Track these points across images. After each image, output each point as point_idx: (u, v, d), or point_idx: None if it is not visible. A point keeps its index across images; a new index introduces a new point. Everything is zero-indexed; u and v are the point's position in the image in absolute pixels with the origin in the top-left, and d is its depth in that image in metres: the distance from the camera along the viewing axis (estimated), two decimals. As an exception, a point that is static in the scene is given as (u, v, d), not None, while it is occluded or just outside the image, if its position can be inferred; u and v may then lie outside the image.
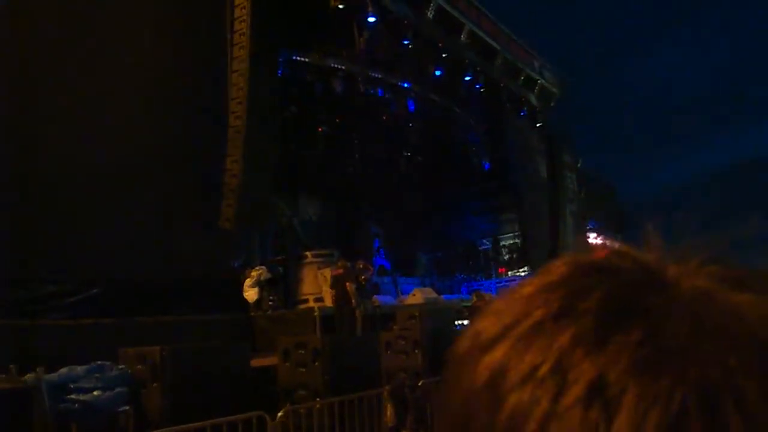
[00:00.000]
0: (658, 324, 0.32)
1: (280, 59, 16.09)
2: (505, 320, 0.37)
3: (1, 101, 9.81)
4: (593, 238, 31.54)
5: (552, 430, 0.31)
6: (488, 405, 0.34)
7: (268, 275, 13.55)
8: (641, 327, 0.32)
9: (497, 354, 0.35)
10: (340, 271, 12.02)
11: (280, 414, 6.09)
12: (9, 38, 10.07)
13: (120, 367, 6.32)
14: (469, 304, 14.21)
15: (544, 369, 0.33)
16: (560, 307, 0.35)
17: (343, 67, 18.95)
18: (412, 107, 21.74)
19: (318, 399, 7.15)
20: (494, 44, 22.07)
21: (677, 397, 0.29)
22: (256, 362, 8.07)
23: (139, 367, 6.34)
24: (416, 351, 8.99)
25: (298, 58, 18.09)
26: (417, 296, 16.60)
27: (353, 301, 11.64)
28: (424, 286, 20.24)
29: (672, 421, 0.29)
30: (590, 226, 29.54)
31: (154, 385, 6.21)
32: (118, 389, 6.02)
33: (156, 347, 6.31)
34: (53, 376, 5.79)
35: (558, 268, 0.39)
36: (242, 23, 12.69)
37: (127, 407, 6.08)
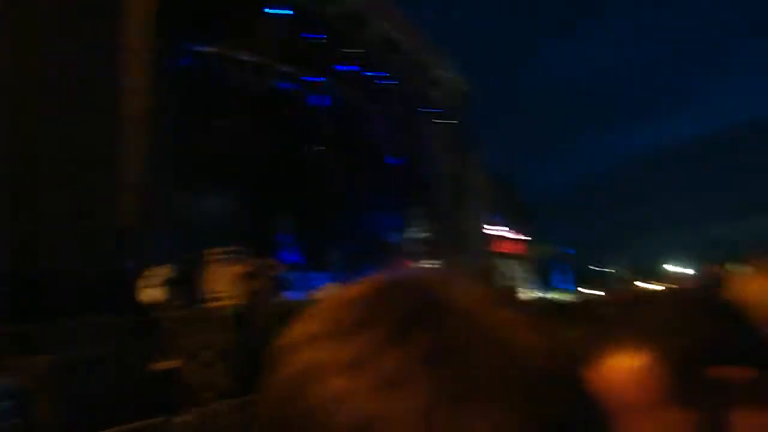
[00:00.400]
0: (440, 331, 0.41)
1: (185, 50, 15.53)
2: (321, 322, 0.44)
3: None
4: (500, 231, 32.66)
5: (346, 406, 0.38)
6: (302, 390, 0.41)
7: (172, 274, 13.06)
8: (429, 333, 0.41)
9: (313, 349, 0.42)
10: (248, 267, 11.81)
11: (183, 418, 5.88)
12: None
13: (5, 378, 5.87)
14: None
15: (348, 361, 0.40)
16: (366, 315, 0.43)
17: (252, 60, 18.55)
18: (322, 101, 21.63)
19: (224, 400, 6.96)
20: (402, 40, 22.33)
21: (458, 386, 0.38)
22: (160, 365, 7.76)
23: (27, 378, 5.91)
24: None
25: (204, 50, 17.51)
26: (327, 292, 16.55)
27: (261, 297, 11.46)
28: (335, 280, 20.22)
29: (445, 401, 0.37)
30: (495, 220, 30.57)
31: (43, 396, 5.82)
32: (3, 403, 5.59)
33: (43, 357, 5.92)
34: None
35: (367, 284, 0.48)
36: (142, 11, 12.12)
37: (17, 421, 5.66)
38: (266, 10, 16.73)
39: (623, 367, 0.86)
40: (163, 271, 12.62)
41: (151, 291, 12.43)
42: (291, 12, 17.03)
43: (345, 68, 20.46)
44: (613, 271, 47.93)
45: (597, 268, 49.41)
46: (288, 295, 14.73)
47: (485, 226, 28.64)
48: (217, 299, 13.98)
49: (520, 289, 27.21)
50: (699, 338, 0.82)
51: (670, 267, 38.94)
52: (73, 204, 10.95)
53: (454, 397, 0.37)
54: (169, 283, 12.76)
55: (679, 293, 1.00)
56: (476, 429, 0.37)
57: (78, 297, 10.28)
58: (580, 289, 38.30)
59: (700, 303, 0.89)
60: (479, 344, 0.41)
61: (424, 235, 26.33)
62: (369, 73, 21.29)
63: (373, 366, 0.39)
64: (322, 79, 20.87)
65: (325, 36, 18.72)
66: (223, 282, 14.44)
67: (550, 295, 29.65)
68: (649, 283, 25.84)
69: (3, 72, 10.47)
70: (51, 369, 5.74)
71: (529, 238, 36.89)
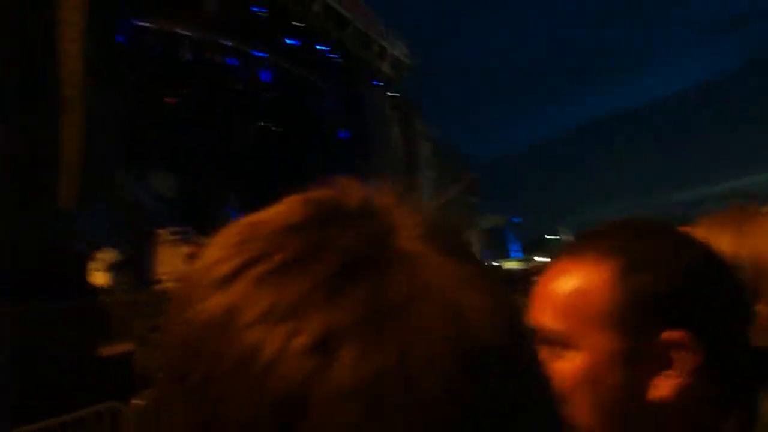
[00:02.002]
0: (379, 283, 0.34)
1: (122, 25, 14.91)
2: (243, 257, 0.37)
3: None
4: (450, 200, 32.99)
5: (277, 372, 0.32)
6: (217, 344, 0.34)
7: (119, 257, 12.73)
8: (366, 285, 0.34)
9: (233, 292, 0.35)
10: (195, 248, 11.60)
11: (136, 401, 5.78)
12: None
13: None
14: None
15: (278, 312, 0.33)
16: (300, 253, 0.36)
17: (191, 35, 17.98)
18: (266, 77, 21.22)
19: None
20: (347, 14, 22.05)
21: (392, 353, 0.32)
22: (109, 350, 7.60)
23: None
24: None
25: (142, 24, 16.85)
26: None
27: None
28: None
29: (383, 373, 0.31)
30: (445, 191, 30.85)
31: (-10, 384, 5.63)
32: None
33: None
34: None
35: (299, 207, 0.40)
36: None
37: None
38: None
39: (581, 277, 0.82)
40: (109, 254, 12.29)
41: (98, 274, 12.12)
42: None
43: (290, 42, 20.09)
44: (562, 238, 49.12)
45: (550, 237, 50.54)
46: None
47: (436, 197, 28.89)
48: (165, 281, 13.73)
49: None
50: (664, 282, 0.78)
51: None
52: (15, 187, 10.53)
53: (389, 370, 0.31)
54: (115, 265, 12.45)
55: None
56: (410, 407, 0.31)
57: (25, 281, 9.94)
58: (533, 257, 39.12)
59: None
60: (425, 306, 0.34)
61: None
62: (315, 47, 20.99)
63: (304, 322, 0.32)
64: (266, 54, 20.45)
65: (270, 9, 18.29)
66: (171, 263, 14.18)
67: (505, 265, 30.19)
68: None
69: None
70: (1, 355, 5.55)
71: (478, 208, 37.45)
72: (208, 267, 0.38)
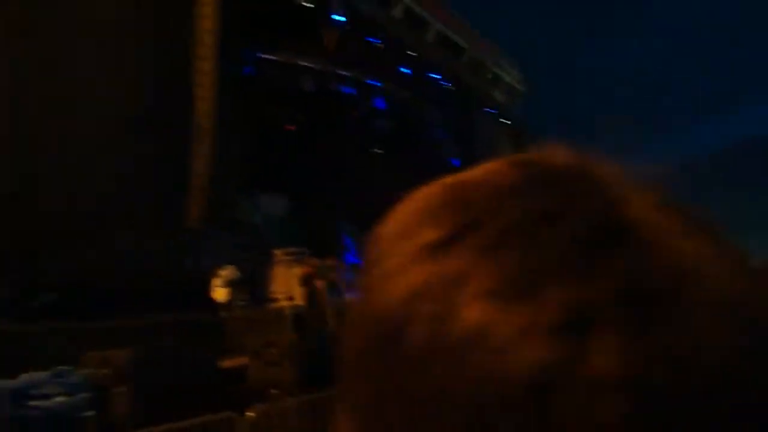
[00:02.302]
0: (636, 257, 0.29)
1: (248, 57, 15.94)
2: (456, 221, 0.32)
3: None
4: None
5: (515, 355, 0.27)
6: (432, 320, 0.29)
7: (237, 275, 13.40)
8: (620, 258, 0.29)
9: (450, 262, 0.30)
10: (309, 269, 11.98)
11: (249, 414, 6.03)
12: None
13: (83, 371, 6.18)
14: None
15: (513, 285, 0.28)
16: (526, 220, 0.30)
17: (312, 66, 18.86)
18: (382, 105, 21.75)
19: (289, 397, 7.09)
20: (461, 42, 22.23)
21: (662, 339, 0.27)
22: (226, 363, 7.98)
23: (104, 371, 6.20)
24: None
25: (266, 57, 17.92)
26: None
27: (323, 298, 11.61)
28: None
29: (653, 361, 0.26)
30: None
31: (119, 389, 6.08)
32: (81, 395, 5.88)
33: (120, 351, 6.19)
34: (14, 382, 5.64)
35: (509, 170, 0.34)
36: (208, 21, 12.52)
37: (91, 413, 5.94)
38: (332, 15, 16.97)
39: None
40: (230, 272, 12.97)
41: (219, 290, 12.81)
42: (348, 18, 17.24)
43: (404, 71, 20.53)
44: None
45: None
46: (350, 296, 14.89)
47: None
48: (280, 299, 14.28)
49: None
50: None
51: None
52: (150, 208, 11.46)
53: (659, 357, 0.27)
54: (234, 283, 13.11)
55: None
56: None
57: (154, 297, 10.73)
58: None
59: None
60: (694, 289, 0.28)
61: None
62: (427, 75, 21.30)
63: (547, 297, 0.27)
64: (381, 83, 21.00)
65: (385, 40, 18.83)
66: (286, 282, 14.74)
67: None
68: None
69: (94, 83, 11.06)
70: (129, 362, 6.00)
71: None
72: (408, 232, 0.33)
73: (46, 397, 5.66)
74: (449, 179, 0.37)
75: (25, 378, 5.80)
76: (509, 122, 25.86)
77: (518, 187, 0.33)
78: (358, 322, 0.34)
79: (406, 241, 0.33)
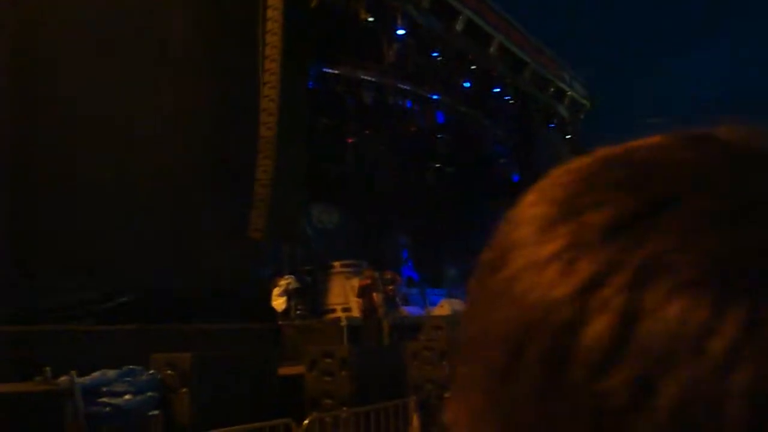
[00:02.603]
0: None
1: (311, 71, 16.29)
2: (638, 199, 0.27)
3: (23, 105, 9.93)
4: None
5: (739, 372, 0.22)
6: (622, 315, 0.24)
7: (296, 285, 13.65)
8: None
9: (641, 246, 0.25)
10: (367, 281, 12.06)
11: (306, 422, 6.13)
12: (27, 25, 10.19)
13: (151, 372, 6.43)
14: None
15: (723, 279, 0.23)
16: (733, 200, 0.26)
17: (373, 79, 19.09)
18: (441, 119, 21.77)
19: (344, 408, 7.16)
20: (524, 56, 22.01)
21: None
22: (283, 370, 8.13)
23: (169, 372, 6.43)
24: (443, 362, 8.95)
25: (329, 70, 18.27)
26: (444, 307, 16.53)
27: (380, 311, 11.66)
28: (452, 297, 20.13)
29: None
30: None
31: (184, 390, 6.30)
32: (148, 394, 6.12)
33: (186, 354, 6.41)
34: (86, 380, 5.92)
35: (684, 144, 0.29)
36: (274, 36, 12.88)
37: (157, 412, 6.17)
38: (393, 29, 17.15)
39: None
40: (289, 281, 13.23)
41: (278, 300, 13.06)
42: (408, 31, 17.37)
43: (465, 85, 20.50)
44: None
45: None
46: (406, 310, 14.90)
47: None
48: (337, 310, 14.45)
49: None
50: None
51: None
52: (217, 219, 11.84)
53: None
54: (293, 292, 13.35)
55: None
56: None
57: (216, 303, 11.06)
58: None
59: None
60: None
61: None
62: (488, 89, 21.19)
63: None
64: (441, 97, 21.02)
65: (446, 54, 18.88)
66: (343, 294, 14.91)
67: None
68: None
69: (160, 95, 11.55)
70: (192, 366, 6.21)
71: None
72: (570, 212, 0.28)
73: (116, 394, 5.92)
74: (604, 152, 0.32)
75: (96, 376, 6.08)
76: (572, 137, 25.40)
77: (708, 166, 0.28)
78: (493, 328, 0.28)
79: (568, 223, 0.27)
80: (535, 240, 0.28)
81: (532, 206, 0.31)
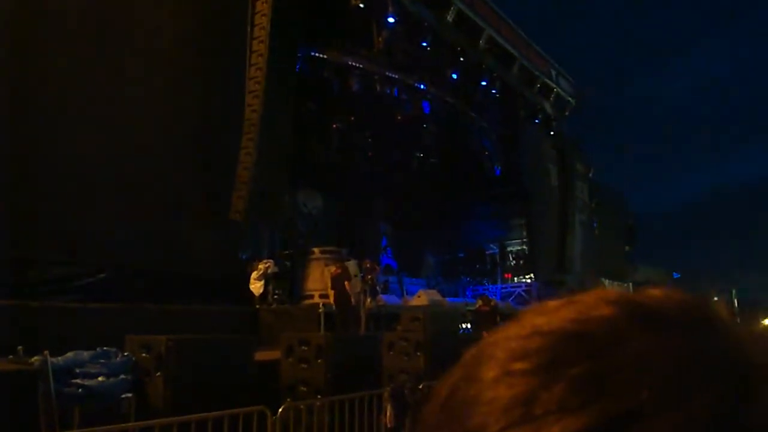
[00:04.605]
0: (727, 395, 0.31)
1: (299, 55, 16.12)
2: (540, 359, 0.32)
3: (14, 86, 9.78)
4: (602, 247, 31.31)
5: None
6: None
7: (275, 269, 13.58)
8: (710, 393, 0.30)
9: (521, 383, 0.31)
10: (339, 270, 12.02)
11: (280, 409, 6.13)
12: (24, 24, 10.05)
13: (125, 354, 6.37)
14: (474, 308, 14.22)
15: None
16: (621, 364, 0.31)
17: (361, 66, 18.96)
18: (427, 109, 21.75)
19: (319, 396, 7.17)
20: (513, 51, 22.05)
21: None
22: (259, 356, 8.11)
23: (144, 355, 6.38)
24: (418, 353, 9.01)
25: (317, 55, 18.10)
26: (422, 298, 16.62)
27: (352, 299, 11.66)
28: (430, 287, 20.24)
29: None
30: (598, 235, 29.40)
31: (158, 374, 6.25)
32: (122, 376, 6.07)
33: (162, 337, 6.36)
34: (59, 360, 5.85)
35: (606, 310, 0.34)
36: (262, 17, 12.72)
37: (130, 395, 6.12)
38: (378, 17, 17.04)
39: None
40: (265, 265, 13.16)
41: (255, 283, 13.00)
42: (399, 20, 17.28)
43: (452, 76, 20.47)
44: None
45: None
46: (383, 298, 14.94)
47: (589, 242, 27.69)
48: (314, 296, 14.42)
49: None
50: None
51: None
52: (199, 200, 11.77)
53: None
54: (270, 277, 13.29)
55: None
56: None
57: (194, 285, 11.00)
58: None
59: None
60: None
61: (523, 246, 25.84)
62: (475, 82, 21.20)
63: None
64: (428, 87, 20.97)
65: (435, 44, 18.82)
66: (321, 280, 14.87)
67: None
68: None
69: (152, 77, 11.39)
70: (168, 349, 6.16)
71: (634, 260, 35.25)
72: (529, 411, 0.31)
73: (89, 376, 5.86)
74: (559, 325, 0.35)
75: (69, 356, 6.01)
76: (556, 133, 25.55)
77: (625, 329, 0.32)
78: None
79: (525, 428, 0.32)
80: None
81: (491, 388, 0.33)
